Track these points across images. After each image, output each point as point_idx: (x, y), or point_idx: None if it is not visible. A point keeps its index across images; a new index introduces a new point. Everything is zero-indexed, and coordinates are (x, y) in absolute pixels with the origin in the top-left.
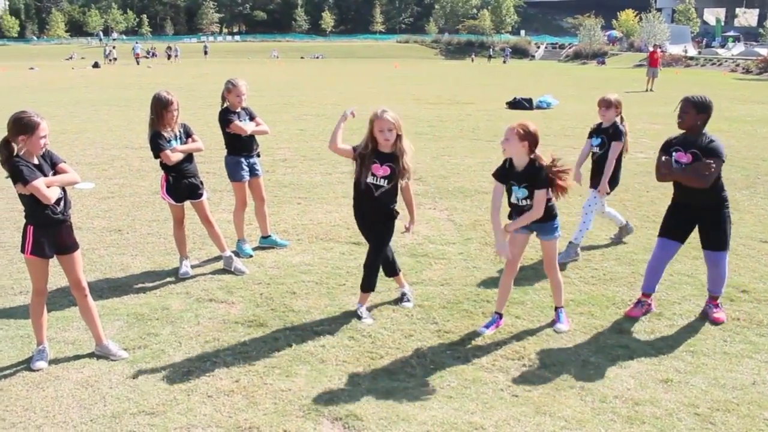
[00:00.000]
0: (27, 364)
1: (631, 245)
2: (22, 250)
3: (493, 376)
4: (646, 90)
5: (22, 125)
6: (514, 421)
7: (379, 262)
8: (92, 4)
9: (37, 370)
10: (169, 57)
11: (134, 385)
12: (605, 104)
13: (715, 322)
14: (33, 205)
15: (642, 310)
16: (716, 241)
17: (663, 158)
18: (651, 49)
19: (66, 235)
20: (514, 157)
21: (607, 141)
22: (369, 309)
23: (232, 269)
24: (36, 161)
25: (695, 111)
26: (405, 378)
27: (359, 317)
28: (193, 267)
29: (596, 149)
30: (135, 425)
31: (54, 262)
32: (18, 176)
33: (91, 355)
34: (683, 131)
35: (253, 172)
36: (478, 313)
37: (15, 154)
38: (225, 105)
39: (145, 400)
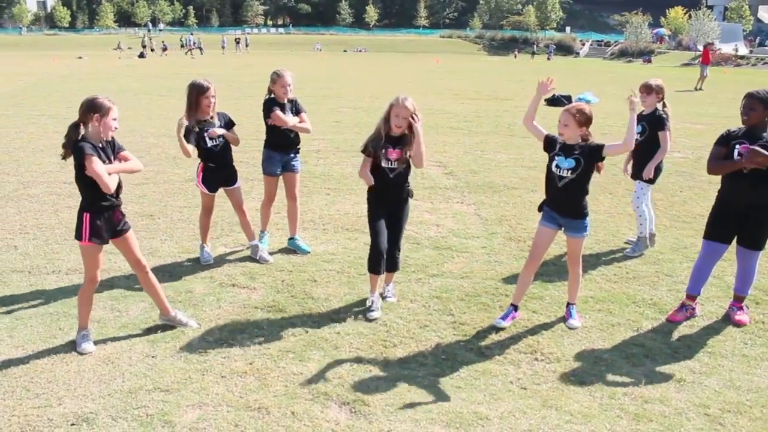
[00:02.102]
0: (53, 339)
1: (658, 244)
2: (78, 238)
3: (503, 369)
4: (696, 89)
5: (97, 105)
6: (520, 413)
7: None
8: None
9: (87, 353)
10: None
11: (152, 363)
12: (645, 89)
13: (738, 325)
14: (90, 191)
15: (685, 315)
16: (755, 240)
17: (738, 153)
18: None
19: (118, 218)
20: (571, 139)
21: (649, 129)
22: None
23: (258, 258)
24: (100, 145)
25: (763, 107)
26: (416, 367)
27: (369, 308)
28: (219, 254)
29: (637, 136)
30: (149, 401)
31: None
32: (81, 154)
33: (115, 333)
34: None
35: (288, 167)
36: (495, 306)
37: (82, 136)
38: (270, 96)
39: (161, 377)
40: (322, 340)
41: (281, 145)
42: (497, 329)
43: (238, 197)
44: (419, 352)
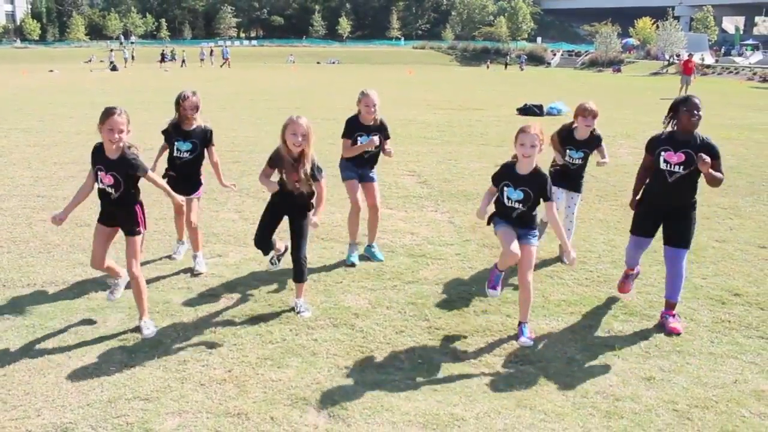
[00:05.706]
0: (30, 351)
1: None
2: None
3: (478, 371)
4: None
5: (101, 113)
6: (495, 413)
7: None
8: (112, 8)
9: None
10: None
11: (131, 372)
12: (592, 115)
13: (671, 333)
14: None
15: (633, 282)
16: (680, 235)
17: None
18: (686, 57)
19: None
20: (530, 165)
21: (590, 150)
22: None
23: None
24: (113, 157)
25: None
26: (393, 371)
27: (299, 312)
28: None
29: (579, 160)
30: (129, 410)
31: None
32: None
33: (93, 344)
34: (670, 130)
35: (364, 177)
36: (469, 311)
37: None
38: (355, 114)
39: (140, 386)
40: (299, 347)
41: (350, 159)
42: (477, 335)
43: (191, 208)
44: (396, 356)
